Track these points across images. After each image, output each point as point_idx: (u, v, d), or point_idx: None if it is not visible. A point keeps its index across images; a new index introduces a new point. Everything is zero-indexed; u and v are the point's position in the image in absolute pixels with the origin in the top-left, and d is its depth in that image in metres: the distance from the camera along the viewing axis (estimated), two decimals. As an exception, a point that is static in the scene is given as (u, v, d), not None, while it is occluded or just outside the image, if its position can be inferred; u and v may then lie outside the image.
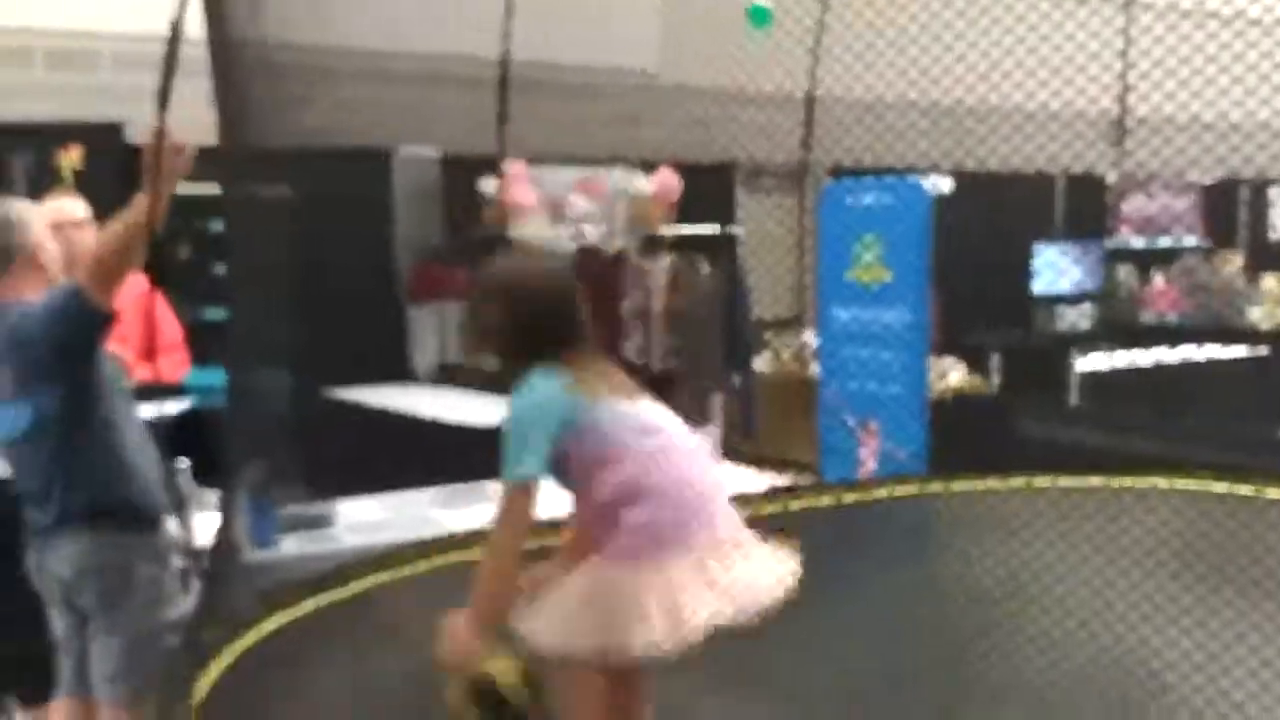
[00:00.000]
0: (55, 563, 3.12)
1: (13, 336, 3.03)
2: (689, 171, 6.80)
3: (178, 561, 3.87)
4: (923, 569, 4.18)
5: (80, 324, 3.00)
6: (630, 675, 2.60)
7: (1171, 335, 7.52)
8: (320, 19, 4.57)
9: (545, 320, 2.52)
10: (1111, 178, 7.78)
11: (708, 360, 6.12)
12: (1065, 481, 4.90)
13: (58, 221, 3.75)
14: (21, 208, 3.25)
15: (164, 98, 3.68)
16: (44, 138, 6.31)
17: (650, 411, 2.54)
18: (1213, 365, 7.00)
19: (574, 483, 2.51)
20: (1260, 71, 4.39)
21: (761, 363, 6.65)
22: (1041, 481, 4.94)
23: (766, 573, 2.49)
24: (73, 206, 4.03)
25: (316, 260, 5.02)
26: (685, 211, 6.79)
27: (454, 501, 4.96)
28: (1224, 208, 8.88)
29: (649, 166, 6.74)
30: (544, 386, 2.44)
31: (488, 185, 6.62)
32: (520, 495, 2.39)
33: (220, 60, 3.76)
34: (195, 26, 3.91)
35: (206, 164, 4.51)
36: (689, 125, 6.13)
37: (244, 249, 4.05)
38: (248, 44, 3.90)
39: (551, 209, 6.61)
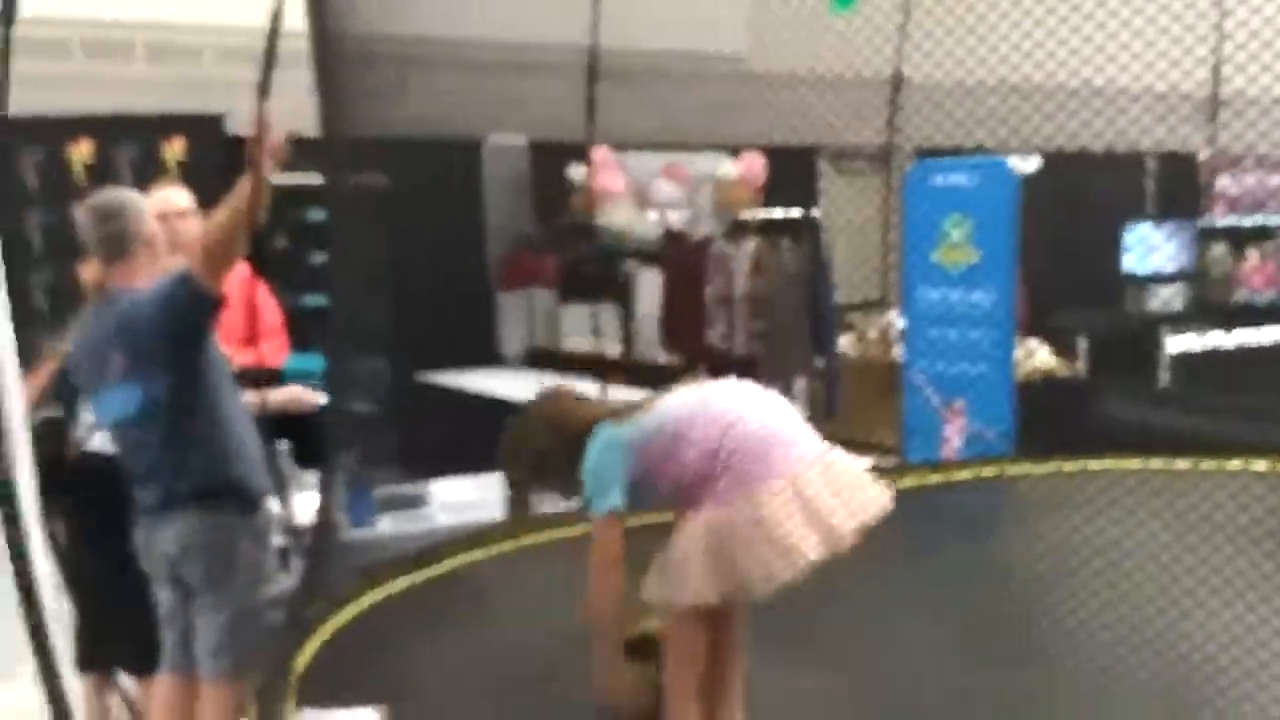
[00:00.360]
0: (162, 541, 3.23)
1: (123, 322, 3.14)
2: (773, 155, 6.82)
3: (278, 540, 4.04)
4: (1004, 548, 4.18)
5: (190, 310, 3.09)
6: (727, 622, 2.85)
7: (1266, 314, 7.36)
8: (414, 10, 4.67)
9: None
10: (1204, 155, 7.62)
11: (792, 343, 6.14)
12: (1152, 464, 4.85)
13: (164, 211, 3.90)
14: (133, 197, 3.37)
15: (264, 88, 3.80)
16: (148, 129, 6.50)
17: (688, 391, 2.82)
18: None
19: (666, 483, 2.78)
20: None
21: (845, 345, 6.65)
22: (1128, 463, 4.89)
23: (862, 492, 2.67)
24: (178, 196, 4.18)
25: (410, 247, 5.15)
26: (770, 195, 6.82)
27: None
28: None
29: (734, 151, 6.77)
30: (602, 436, 2.78)
31: (576, 172, 6.71)
32: (608, 525, 2.76)
33: (321, 51, 3.87)
34: (295, 18, 4.04)
35: (304, 154, 4.67)
36: (775, 110, 6.14)
37: (343, 237, 4.17)
38: (346, 35, 4.01)
39: (638, 195, 6.68)
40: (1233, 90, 4.78)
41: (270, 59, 3.60)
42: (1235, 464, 4.98)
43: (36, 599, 2.05)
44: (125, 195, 3.34)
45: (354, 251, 4.11)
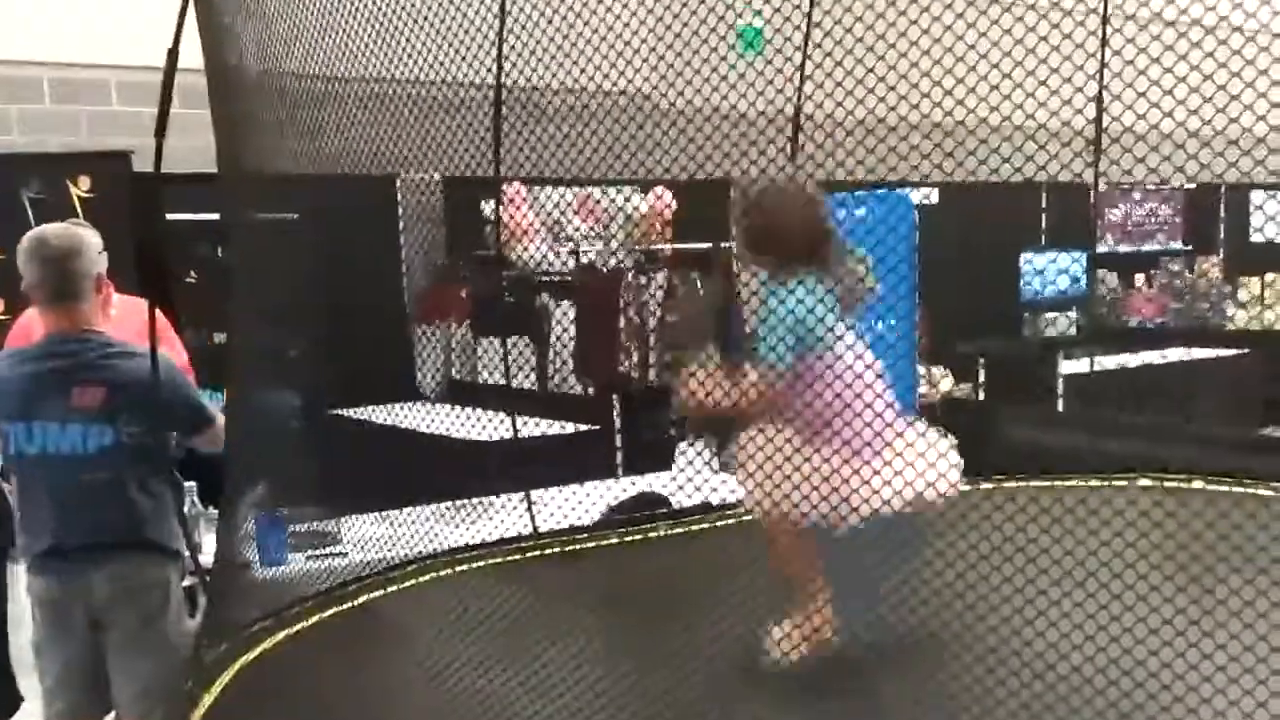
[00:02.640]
0: (91, 585, 3.22)
1: (109, 365, 3.18)
2: (684, 190, 6.96)
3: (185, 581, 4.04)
4: (909, 569, 4.29)
5: (187, 407, 3.40)
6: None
7: (1155, 339, 7.69)
8: (319, 46, 4.71)
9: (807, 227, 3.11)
10: (1094, 187, 7.93)
11: (702, 373, 6.26)
12: (1050, 482, 5.03)
13: None
14: (85, 234, 3.34)
15: (160, 129, 3.81)
16: (54, 166, 6.45)
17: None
18: (1194, 367, 7.14)
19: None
20: (1244, 78, 4.52)
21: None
22: (1027, 482, 5.06)
23: (929, 467, 3.02)
24: (87, 236, 4.18)
25: (323, 282, 5.17)
26: (681, 229, 6.95)
27: (459, 517, 5.10)
28: (1204, 213, 9.05)
29: (645, 186, 6.89)
30: (808, 299, 2.99)
31: (488, 207, 6.78)
32: (768, 378, 2.93)
33: (218, 87, 3.88)
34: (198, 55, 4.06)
35: (211, 190, 4.69)
36: (683, 145, 6.26)
37: (246, 272, 4.19)
38: (247, 70, 4.03)
39: (551, 229, 6.77)
40: (1117, 124, 5.00)
41: (167, 95, 3.61)
42: (1121, 481, 5.17)
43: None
44: (81, 234, 3.30)
45: (258, 287, 4.12)
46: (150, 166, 6.00)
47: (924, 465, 3.05)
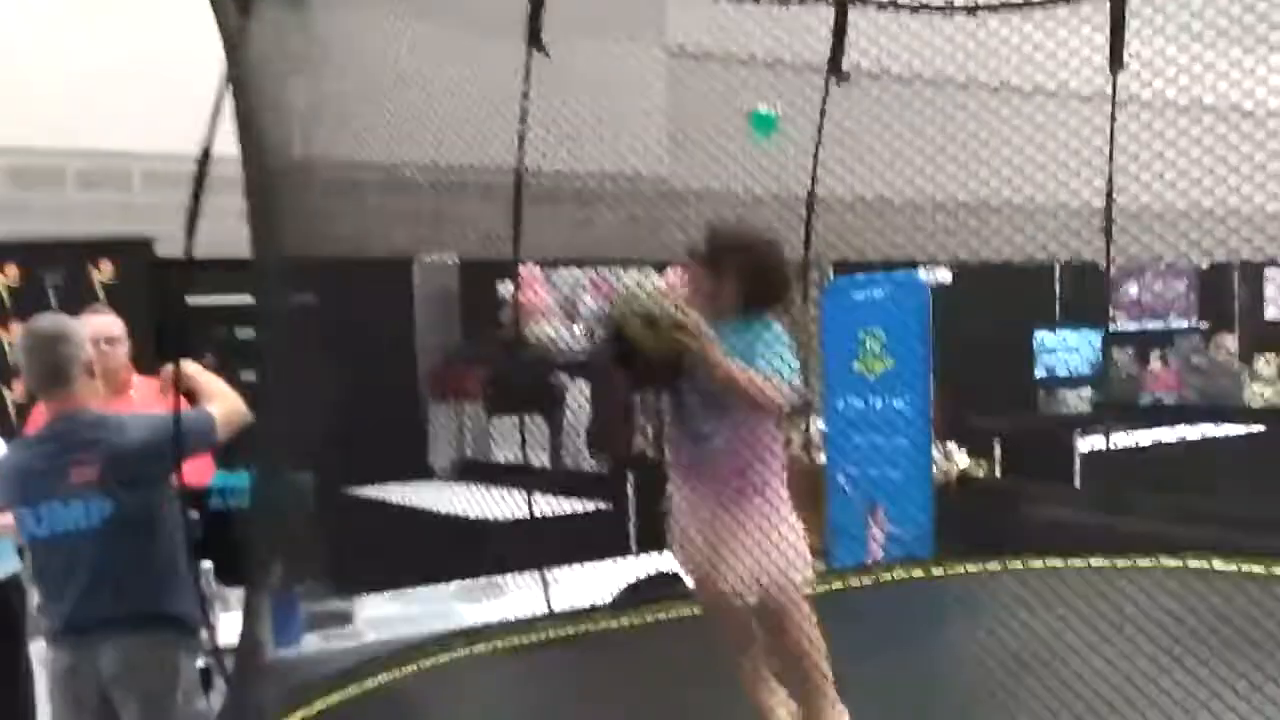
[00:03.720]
0: (100, 661, 3.25)
1: (102, 439, 3.26)
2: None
3: (200, 661, 4.04)
4: (933, 650, 4.26)
5: (201, 447, 3.44)
6: None
7: (1170, 415, 7.68)
8: (343, 134, 4.83)
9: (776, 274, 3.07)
10: (1107, 265, 7.98)
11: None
12: (1071, 562, 4.98)
13: (96, 336, 4.01)
14: (73, 324, 3.48)
15: (192, 220, 3.94)
16: (77, 253, 6.57)
17: None
18: (1210, 444, 7.12)
19: (744, 421, 2.93)
20: (1255, 161, 4.56)
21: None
22: (1047, 562, 5.02)
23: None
24: (112, 324, 4.28)
25: (339, 363, 5.22)
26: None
27: (474, 595, 5.09)
28: (1219, 290, 9.09)
29: (659, 266, 6.96)
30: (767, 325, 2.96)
31: (504, 288, 6.86)
32: (778, 390, 2.86)
33: (253, 175, 3.99)
34: (221, 145, 4.17)
35: (233, 275, 4.76)
36: (697, 226, 6.33)
37: (271, 354, 4.25)
38: (278, 159, 4.14)
39: (565, 308, 6.84)
40: (1132, 204, 5.06)
41: (199, 189, 3.74)
42: (1145, 561, 5.12)
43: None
44: (66, 322, 3.45)
45: (282, 368, 4.18)
46: (170, 252, 6.15)
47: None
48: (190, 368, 3.63)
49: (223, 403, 3.49)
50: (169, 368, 3.66)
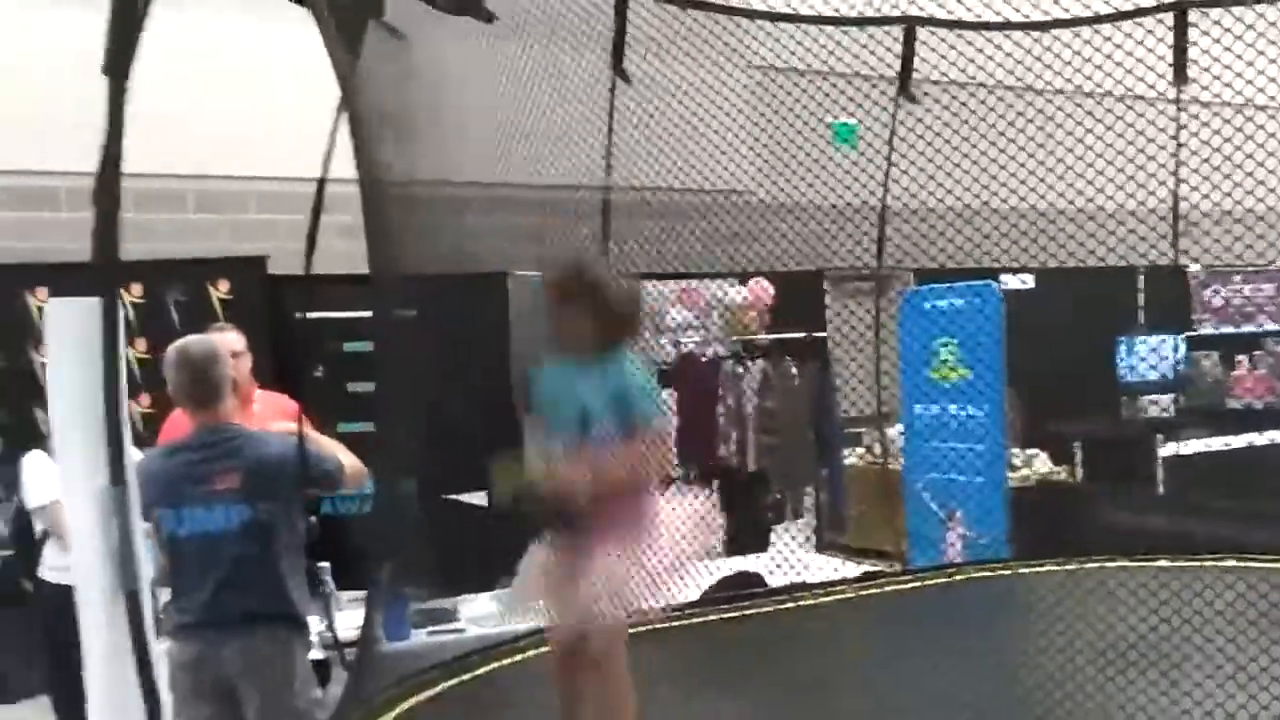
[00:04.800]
0: (222, 656, 3.55)
1: (247, 453, 3.58)
2: (781, 280, 7.20)
3: (319, 654, 4.34)
4: (1010, 646, 4.34)
5: (325, 483, 3.75)
6: None
7: (1256, 420, 7.63)
8: (445, 157, 5.11)
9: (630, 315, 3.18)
10: (1193, 268, 7.98)
11: (799, 457, 6.45)
12: (1154, 563, 5.04)
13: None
14: (218, 343, 3.78)
15: (311, 242, 4.26)
16: (194, 272, 6.93)
17: None
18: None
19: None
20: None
21: (851, 458, 6.95)
22: (1127, 562, 5.09)
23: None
24: (234, 339, 4.62)
25: (440, 375, 5.50)
26: (778, 317, 7.20)
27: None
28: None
29: (743, 277, 7.17)
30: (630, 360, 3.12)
31: (593, 300, 7.09)
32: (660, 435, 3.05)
33: (369, 196, 4.28)
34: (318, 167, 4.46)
35: (342, 290, 5.06)
36: (779, 237, 6.56)
37: (385, 367, 4.54)
38: (389, 179, 4.42)
39: (652, 320, 7.06)
40: (1198, 206, 5.13)
41: (317, 213, 4.05)
42: (1231, 562, 5.16)
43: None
44: (215, 344, 3.74)
45: (394, 380, 4.46)
46: (284, 269, 6.51)
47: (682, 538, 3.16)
48: (310, 433, 3.98)
49: (349, 462, 3.80)
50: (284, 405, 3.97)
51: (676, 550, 3.14)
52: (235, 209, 7.57)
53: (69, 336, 2.35)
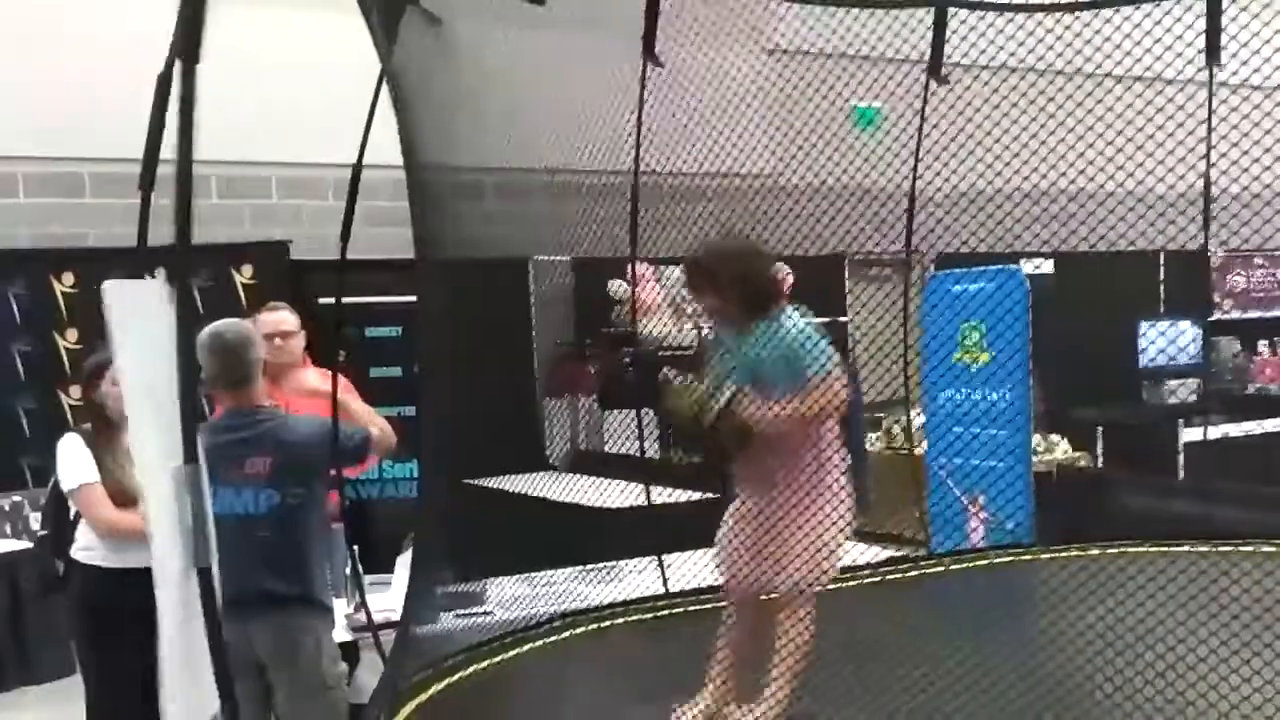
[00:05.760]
0: (253, 638, 3.60)
1: (278, 437, 3.62)
2: (801, 264, 7.20)
3: (349, 635, 4.40)
4: (1033, 629, 4.36)
5: (352, 458, 3.79)
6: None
7: (1278, 406, 7.64)
8: (470, 142, 5.14)
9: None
10: (1213, 253, 7.96)
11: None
12: (1175, 548, 5.05)
13: (275, 332, 4.38)
14: (252, 328, 3.84)
15: (346, 230, 4.31)
16: (220, 257, 6.99)
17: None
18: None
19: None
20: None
21: (873, 442, 6.96)
22: (1150, 548, 5.10)
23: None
24: (288, 318, 4.65)
25: (465, 359, 5.53)
26: (798, 302, 7.19)
27: (589, 579, 5.37)
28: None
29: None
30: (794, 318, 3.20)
31: (615, 286, 7.14)
32: (831, 389, 3.08)
33: (415, 183, 4.31)
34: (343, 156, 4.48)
35: (364, 276, 5.09)
36: (801, 221, 6.55)
37: (424, 353, 4.57)
38: (426, 167, 4.45)
39: (674, 305, 7.09)
40: (1228, 189, 5.10)
41: (352, 203, 4.09)
42: (1248, 547, 5.17)
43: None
44: (248, 328, 3.79)
45: (429, 366, 4.50)
46: (304, 255, 6.55)
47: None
48: (346, 399, 3.99)
49: (378, 428, 3.84)
50: (309, 383, 4.04)
51: (844, 521, 3.22)
52: (258, 194, 7.60)
53: (132, 319, 2.37)
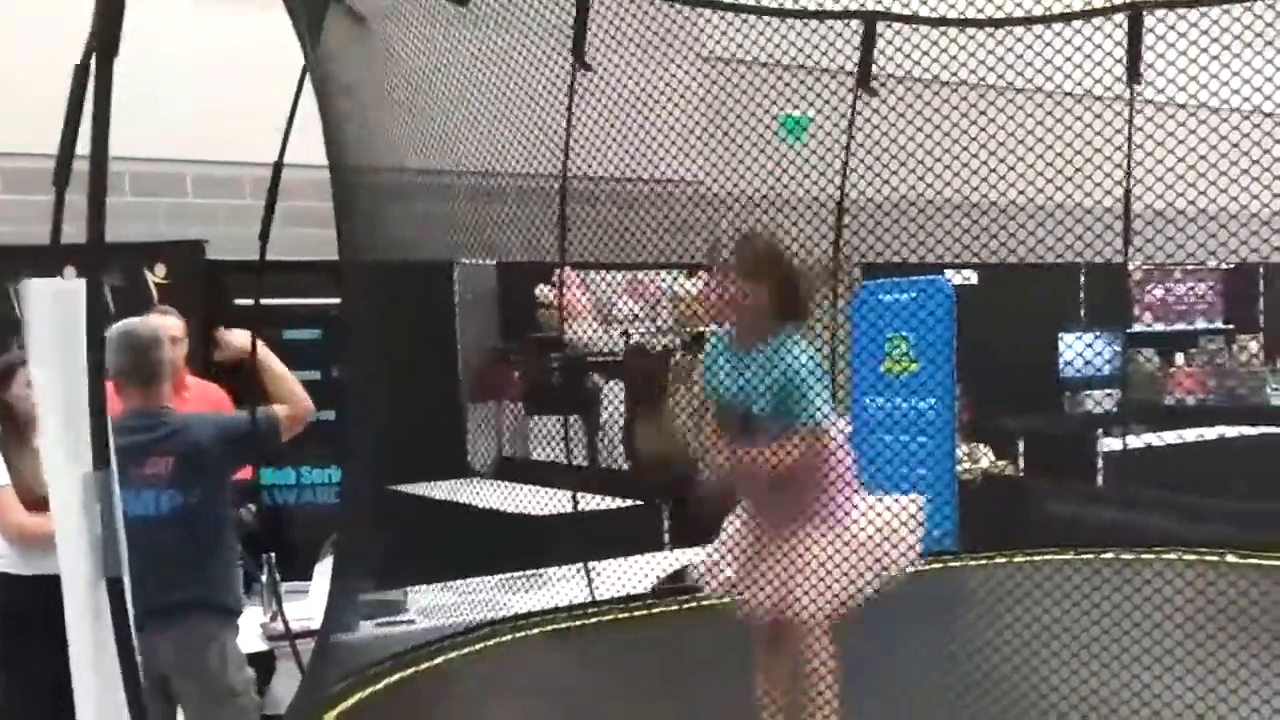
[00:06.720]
0: (157, 644, 3.46)
1: (178, 436, 3.48)
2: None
3: (263, 645, 4.27)
4: (958, 637, 4.40)
5: (262, 445, 3.61)
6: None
7: (1194, 416, 7.79)
8: (394, 145, 5.05)
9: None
10: (1132, 266, 8.10)
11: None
12: (1099, 555, 5.12)
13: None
14: (161, 326, 3.70)
15: (266, 230, 4.20)
16: (132, 255, 6.76)
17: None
18: (1233, 444, 7.24)
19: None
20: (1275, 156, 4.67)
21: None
22: (1071, 555, 5.17)
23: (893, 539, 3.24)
24: (173, 324, 4.52)
25: (387, 364, 5.43)
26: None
27: (514, 587, 5.30)
28: (1244, 292, 9.17)
29: (693, 269, 7.14)
30: (799, 342, 3.01)
31: (542, 290, 7.06)
32: (816, 436, 2.94)
33: (339, 184, 4.22)
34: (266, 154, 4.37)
35: (281, 278, 4.96)
36: (730, 230, 6.50)
37: (347, 356, 4.46)
38: (347, 168, 4.36)
39: (601, 311, 7.03)
40: (1146, 204, 5.19)
41: (271, 204, 3.99)
42: (1170, 555, 5.26)
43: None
44: (158, 327, 3.66)
45: (352, 371, 4.40)
46: (220, 255, 6.38)
47: (890, 538, 3.15)
48: (264, 353, 3.86)
49: (290, 400, 3.71)
50: (238, 340, 3.92)
51: (879, 552, 3.09)
52: (173, 192, 7.40)
53: (51, 320, 2.26)
